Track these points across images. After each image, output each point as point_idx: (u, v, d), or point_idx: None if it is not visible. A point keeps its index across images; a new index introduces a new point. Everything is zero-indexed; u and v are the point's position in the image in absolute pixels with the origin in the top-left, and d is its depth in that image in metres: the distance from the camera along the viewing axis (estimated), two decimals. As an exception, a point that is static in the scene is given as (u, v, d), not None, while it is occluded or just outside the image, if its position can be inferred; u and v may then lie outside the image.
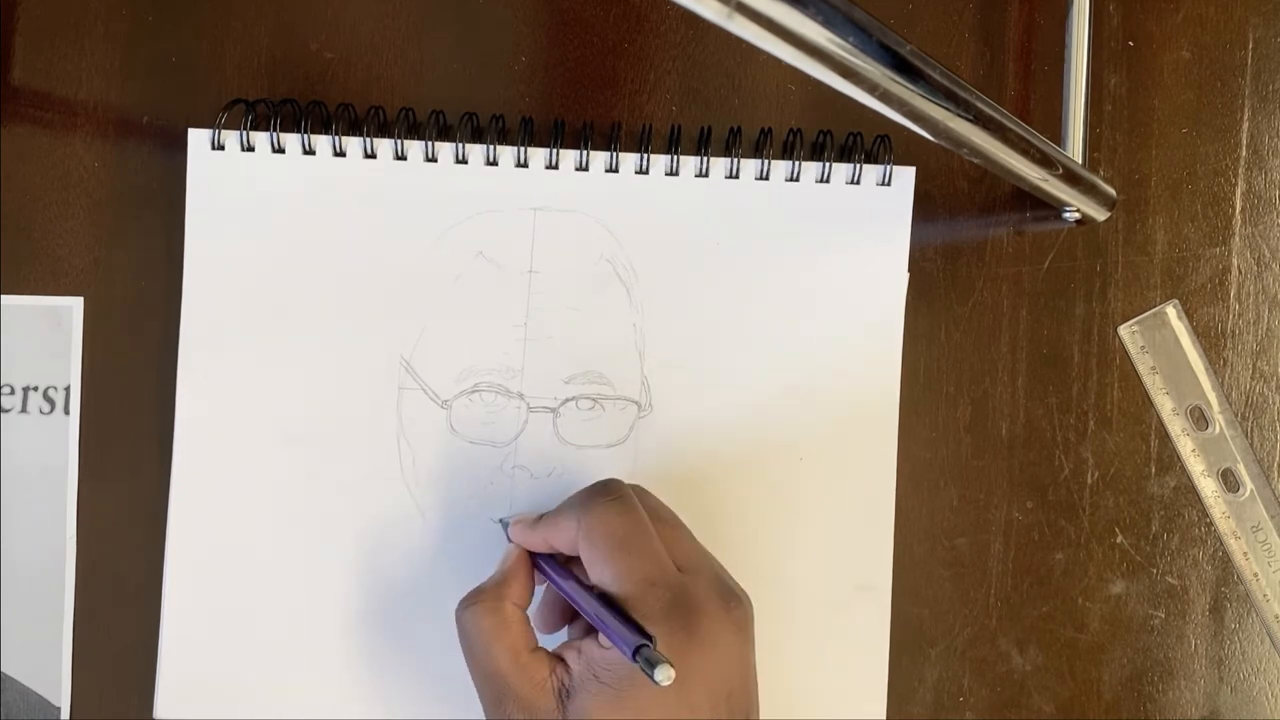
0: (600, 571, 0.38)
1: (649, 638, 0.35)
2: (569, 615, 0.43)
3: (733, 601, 0.38)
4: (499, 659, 0.38)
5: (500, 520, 0.46)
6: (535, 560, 0.42)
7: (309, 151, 0.46)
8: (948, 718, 0.47)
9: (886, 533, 0.46)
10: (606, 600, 0.38)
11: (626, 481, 0.41)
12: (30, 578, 0.46)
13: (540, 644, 0.40)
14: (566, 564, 0.42)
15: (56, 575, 0.46)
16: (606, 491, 0.40)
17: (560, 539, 0.40)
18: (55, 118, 0.47)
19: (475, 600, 0.40)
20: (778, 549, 0.46)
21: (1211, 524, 0.47)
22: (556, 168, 0.46)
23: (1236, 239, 0.48)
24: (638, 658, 0.34)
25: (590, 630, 0.40)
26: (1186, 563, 0.47)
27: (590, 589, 0.39)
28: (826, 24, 0.27)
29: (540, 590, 0.43)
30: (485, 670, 0.39)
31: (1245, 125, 0.48)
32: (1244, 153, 0.48)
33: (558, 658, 0.39)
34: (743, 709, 0.38)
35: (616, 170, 0.46)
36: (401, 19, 0.48)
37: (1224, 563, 0.47)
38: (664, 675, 0.33)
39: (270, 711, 0.46)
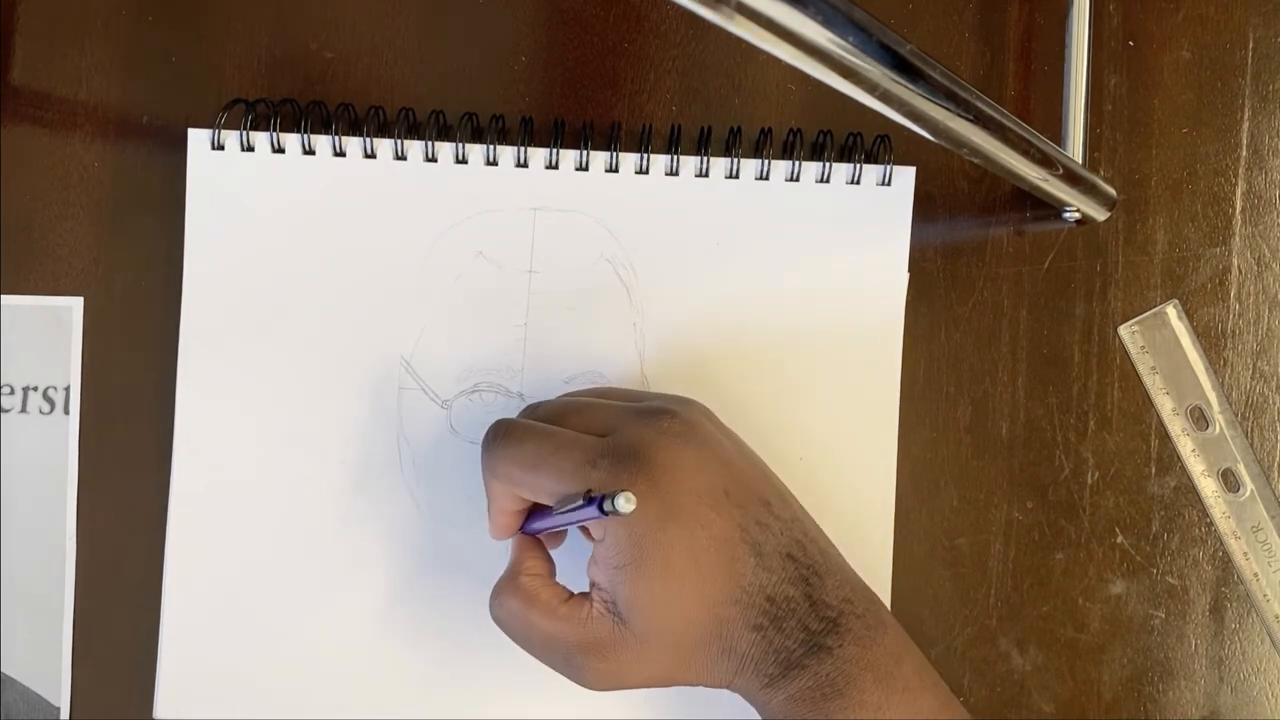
0: (543, 494, 0.38)
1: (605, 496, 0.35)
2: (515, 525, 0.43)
3: (661, 418, 0.38)
4: (541, 624, 0.38)
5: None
6: (530, 529, 0.42)
7: (309, 151, 0.46)
8: (948, 718, 0.47)
9: (886, 533, 0.46)
10: (560, 504, 0.38)
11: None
12: (30, 578, 0.46)
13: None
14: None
15: (56, 575, 0.46)
16: (490, 437, 0.40)
17: (499, 503, 0.40)
18: (55, 118, 0.47)
19: (496, 593, 0.40)
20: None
21: (1212, 524, 0.47)
22: (556, 168, 0.46)
23: (1236, 239, 0.48)
24: (601, 508, 0.33)
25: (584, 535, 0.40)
26: (1187, 563, 0.47)
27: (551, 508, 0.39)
28: (826, 24, 0.27)
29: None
30: (538, 643, 0.39)
31: (1245, 125, 0.48)
32: (1244, 153, 0.48)
33: (589, 589, 0.39)
34: (750, 494, 0.38)
35: (616, 170, 0.46)
36: (401, 19, 0.48)
37: (1224, 563, 0.47)
38: (625, 501, 0.32)
39: (270, 711, 0.46)
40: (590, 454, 0.37)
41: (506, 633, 0.40)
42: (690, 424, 0.39)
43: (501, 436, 0.39)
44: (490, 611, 0.40)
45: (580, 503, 0.35)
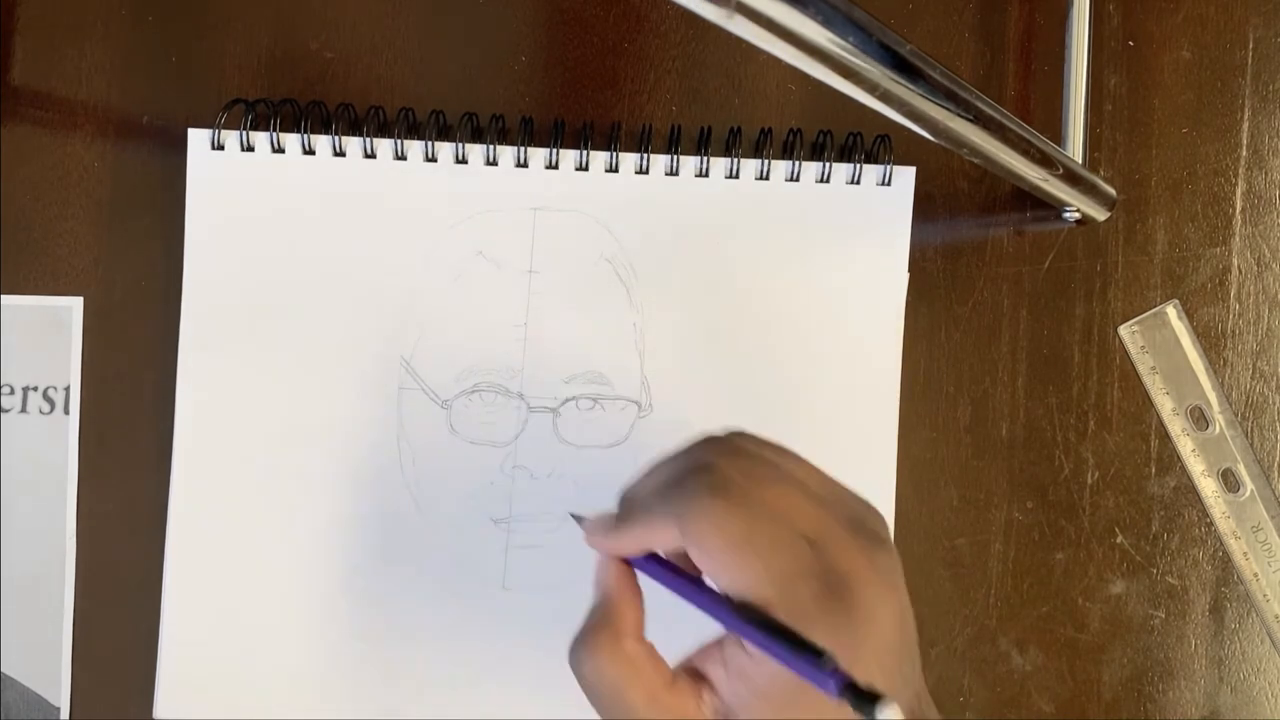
0: (728, 580, 0.32)
1: (821, 653, 0.29)
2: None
3: (878, 552, 0.33)
4: (636, 706, 0.33)
5: (575, 516, 0.39)
6: (638, 566, 0.35)
7: (309, 151, 0.46)
8: (948, 718, 0.47)
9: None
10: (742, 607, 0.32)
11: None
12: (30, 578, 0.46)
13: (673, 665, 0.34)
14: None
15: (56, 575, 0.46)
16: (706, 485, 0.33)
17: (658, 542, 0.34)
18: (55, 118, 0.47)
19: (589, 647, 0.33)
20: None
21: (1211, 524, 0.47)
22: (556, 168, 0.46)
23: (1236, 239, 0.48)
24: (845, 695, 0.28)
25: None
26: (1186, 563, 0.47)
27: (746, 608, 0.32)
28: (826, 24, 0.27)
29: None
30: (621, 716, 0.33)
31: (1245, 125, 0.48)
32: (1244, 153, 0.48)
33: (700, 677, 0.33)
34: (909, 660, 0.33)
35: (616, 170, 0.46)
36: (401, 19, 0.48)
37: (1224, 563, 0.47)
38: (890, 712, 0.27)
39: (270, 711, 0.46)
40: (802, 568, 0.32)
41: (588, 694, 0.34)
42: (896, 563, 0.33)
43: (717, 495, 0.32)
44: (574, 662, 0.34)
45: (817, 665, 0.29)
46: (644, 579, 0.35)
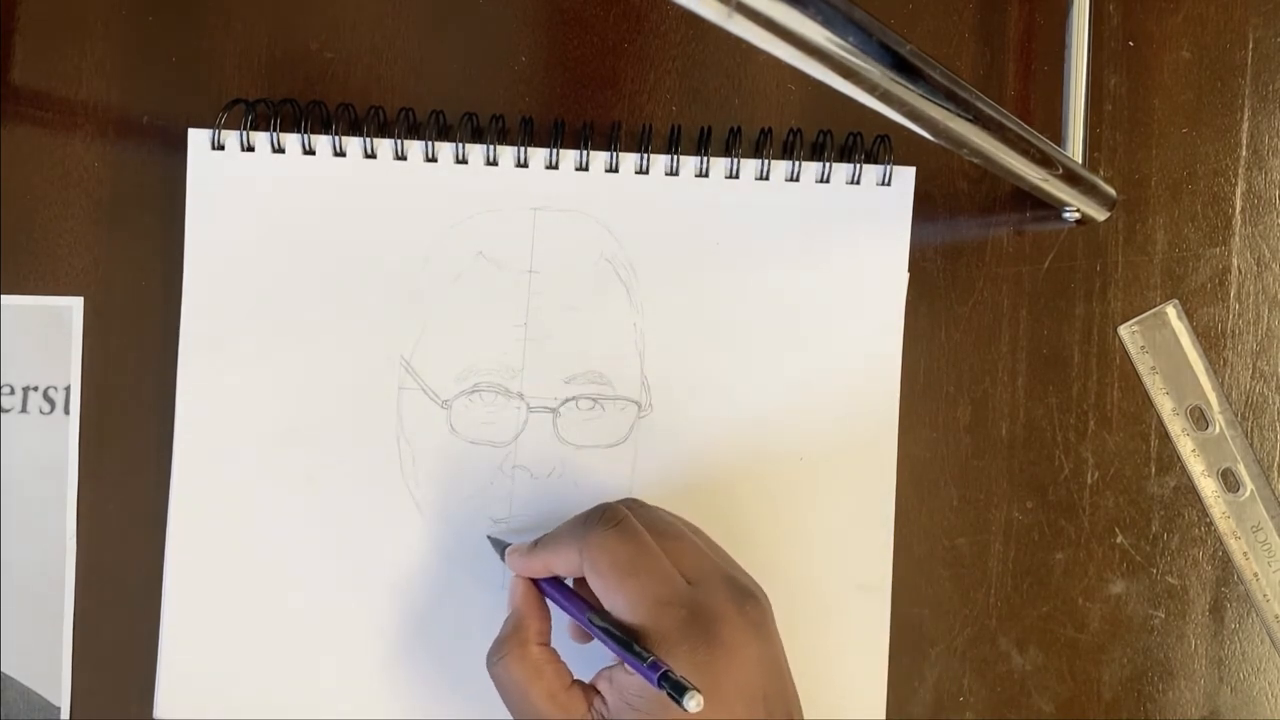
0: (611, 599, 0.38)
1: (659, 661, 0.36)
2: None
3: (748, 602, 0.38)
4: (538, 704, 0.39)
5: (490, 538, 0.46)
6: (542, 587, 0.42)
7: (309, 151, 0.46)
8: (948, 718, 0.47)
9: (886, 533, 0.46)
10: (621, 627, 0.38)
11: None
12: (30, 578, 0.46)
13: (577, 674, 0.40)
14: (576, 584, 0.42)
15: (56, 575, 0.46)
16: (604, 518, 0.40)
17: (561, 565, 0.40)
18: (55, 118, 0.47)
19: (501, 652, 0.40)
20: (778, 549, 0.46)
21: (1211, 524, 0.47)
22: (556, 168, 0.46)
23: (1236, 239, 0.48)
24: (663, 685, 0.35)
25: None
26: (1186, 563, 0.47)
27: (601, 614, 0.39)
28: (826, 24, 0.27)
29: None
30: (526, 715, 0.39)
31: (1245, 125, 0.48)
32: (1244, 153, 0.48)
33: (594, 689, 0.39)
34: (781, 707, 0.38)
35: (616, 170, 0.46)
36: (402, 19, 0.48)
37: (1224, 563, 0.47)
38: (694, 703, 0.33)
39: (270, 712, 0.46)
40: (674, 597, 0.37)
41: (500, 693, 0.40)
42: (766, 617, 0.39)
43: (611, 525, 0.39)
44: (489, 666, 0.40)
45: (641, 658, 0.36)
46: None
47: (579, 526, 0.40)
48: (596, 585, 0.39)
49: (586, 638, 0.43)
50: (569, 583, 0.42)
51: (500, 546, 0.44)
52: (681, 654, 0.36)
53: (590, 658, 0.41)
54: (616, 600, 0.38)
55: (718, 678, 0.36)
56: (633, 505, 0.41)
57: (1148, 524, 0.47)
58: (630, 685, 0.37)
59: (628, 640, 0.37)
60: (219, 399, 0.46)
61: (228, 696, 0.46)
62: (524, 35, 0.48)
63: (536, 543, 0.42)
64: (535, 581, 0.42)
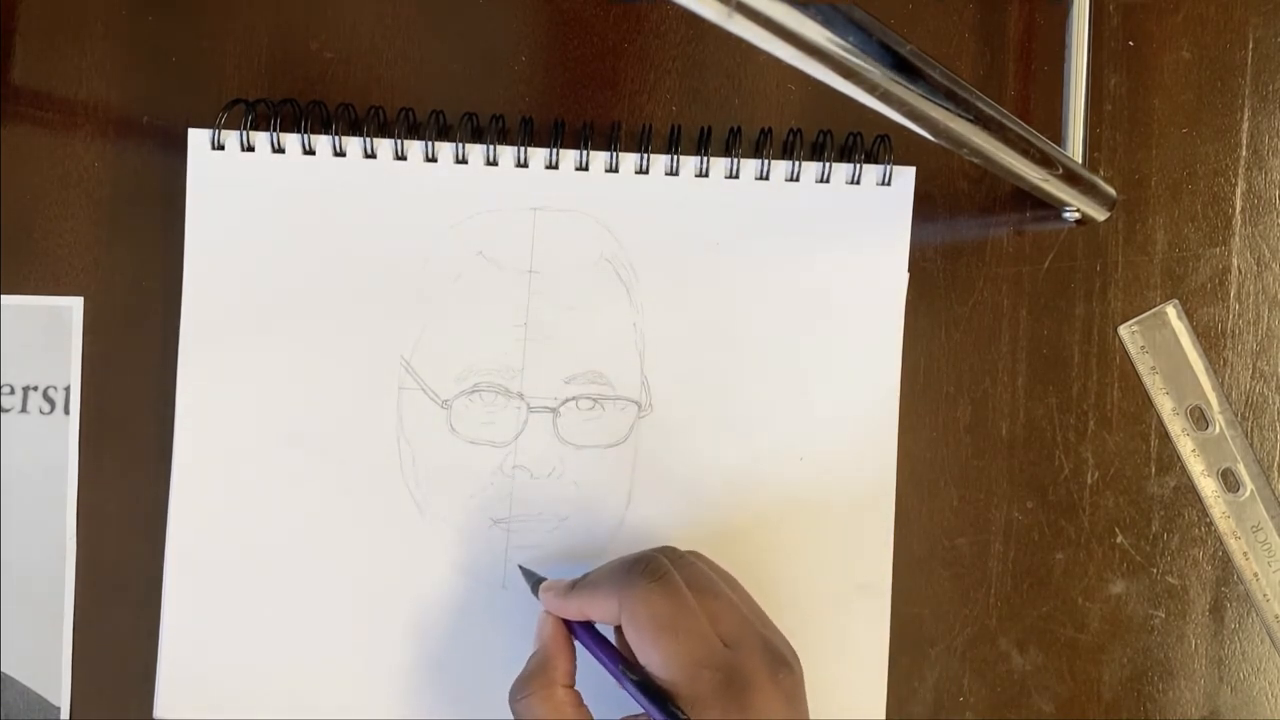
0: (647, 655, 0.38)
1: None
2: None
3: (782, 670, 0.38)
4: None
5: (523, 568, 0.45)
6: (573, 629, 0.41)
7: (309, 151, 0.46)
8: (948, 718, 0.47)
9: (886, 533, 0.46)
10: (653, 684, 0.38)
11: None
12: (30, 578, 0.46)
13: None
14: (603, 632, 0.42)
15: (56, 575, 0.46)
16: (647, 571, 0.39)
17: (598, 612, 0.40)
18: (55, 118, 0.47)
19: (527, 690, 0.40)
20: (778, 548, 0.46)
21: (1211, 524, 0.47)
22: (556, 168, 0.46)
23: (1236, 239, 0.48)
24: None
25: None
26: (1186, 563, 0.47)
27: (634, 668, 0.39)
28: (826, 24, 0.27)
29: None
30: None
31: (1245, 125, 0.48)
32: (1244, 153, 0.48)
33: None
34: None
35: (616, 170, 0.46)
36: (401, 19, 0.48)
37: (1224, 563, 0.47)
38: None
39: (270, 711, 0.46)
40: (711, 659, 0.37)
41: None
42: (798, 687, 0.39)
43: (654, 579, 0.39)
44: (511, 702, 0.40)
45: (667, 713, 0.36)
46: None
47: (620, 575, 0.40)
48: (633, 638, 0.39)
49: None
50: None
51: (533, 579, 0.43)
52: (715, 715, 0.36)
53: (607, 701, 0.40)
54: (652, 656, 0.38)
55: None
56: (672, 556, 0.41)
57: (1148, 524, 0.47)
58: None
59: (662, 700, 0.37)
60: (219, 399, 0.46)
61: (228, 696, 0.46)
62: (524, 35, 0.48)
63: (574, 584, 0.41)
64: (566, 621, 0.41)
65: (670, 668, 0.37)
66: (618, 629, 0.40)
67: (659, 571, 0.39)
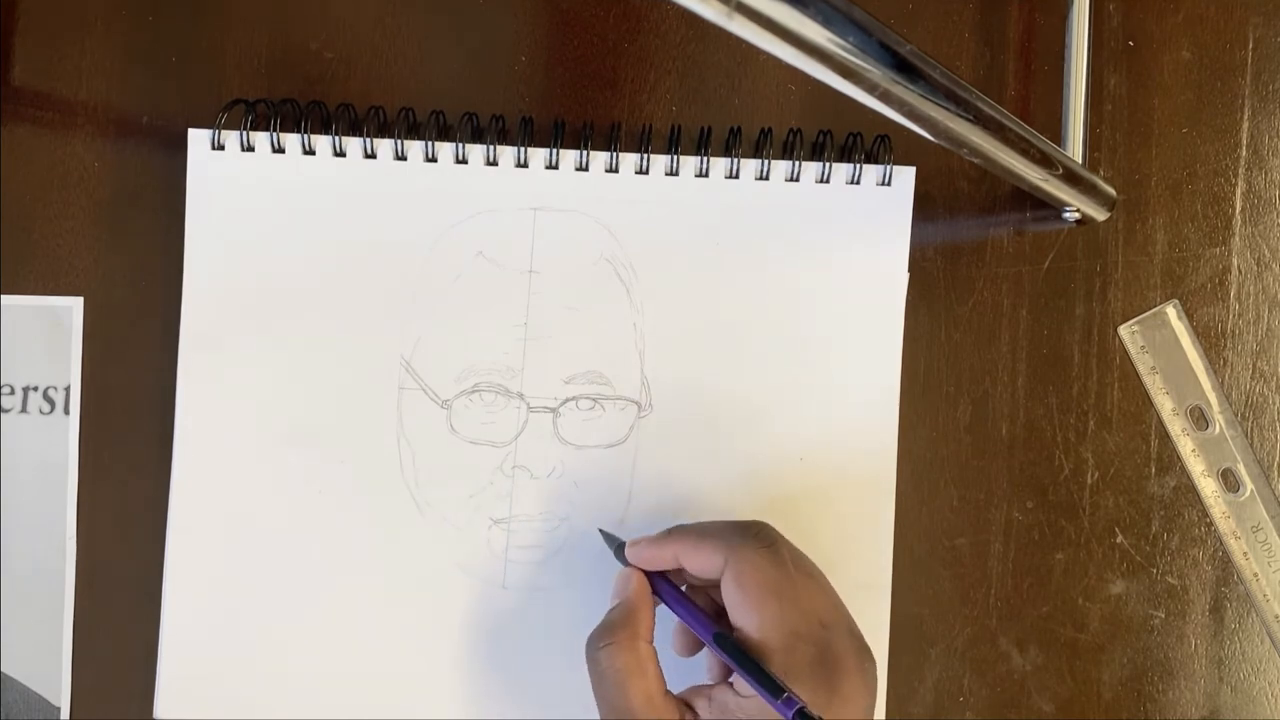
0: (747, 616, 0.38)
1: (797, 698, 0.35)
2: (699, 645, 0.42)
3: (867, 659, 0.38)
4: (633, 702, 0.38)
5: (603, 531, 0.45)
6: (659, 588, 0.41)
7: (309, 151, 0.46)
8: (948, 718, 0.47)
9: (886, 533, 0.46)
10: (740, 647, 0.38)
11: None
12: (30, 578, 0.46)
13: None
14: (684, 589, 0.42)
15: (56, 575, 0.46)
16: (760, 536, 0.39)
17: (696, 562, 0.40)
18: (55, 118, 0.47)
19: (609, 639, 0.39)
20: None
21: (1211, 524, 0.47)
22: (556, 168, 0.46)
23: (1236, 239, 0.48)
24: (792, 718, 0.35)
25: (722, 674, 0.40)
26: (1186, 563, 0.47)
27: (724, 634, 0.38)
28: (826, 24, 0.27)
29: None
30: (618, 710, 0.38)
31: (1245, 125, 0.48)
32: (1244, 152, 0.48)
33: (686, 704, 0.39)
34: None
35: (616, 170, 0.46)
36: (401, 19, 0.47)
37: (1224, 563, 0.47)
38: None
39: (270, 712, 0.46)
40: (809, 633, 0.37)
41: (596, 677, 0.39)
42: (875, 679, 0.39)
43: (765, 544, 0.39)
44: (591, 649, 0.40)
45: (776, 690, 0.35)
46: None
47: (731, 533, 0.40)
48: (734, 598, 0.38)
49: (690, 650, 0.42)
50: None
51: (614, 543, 0.43)
52: (804, 693, 0.36)
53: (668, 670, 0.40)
54: (752, 619, 0.38)
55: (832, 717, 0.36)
56: (782, 536, 0.41)
57: (1148, 524, 0.47)
58: (738, 706, 0.37)
59: (760, 667, 0.37)
60: (219, 399, 0.46)
61: (228, 696, 0.46)
62: (524, 35, 0.48)
63: (670, 531, 0.41)
64: (651, 581, 0.41)
65: (769, 633, 0.37)
66: (689, 590, 0.40)
67: (770, 539, 0.39)
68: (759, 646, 0.37)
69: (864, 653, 0.38)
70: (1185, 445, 0.47)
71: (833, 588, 0.41)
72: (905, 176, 0.46)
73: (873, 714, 0.39)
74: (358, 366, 0.46)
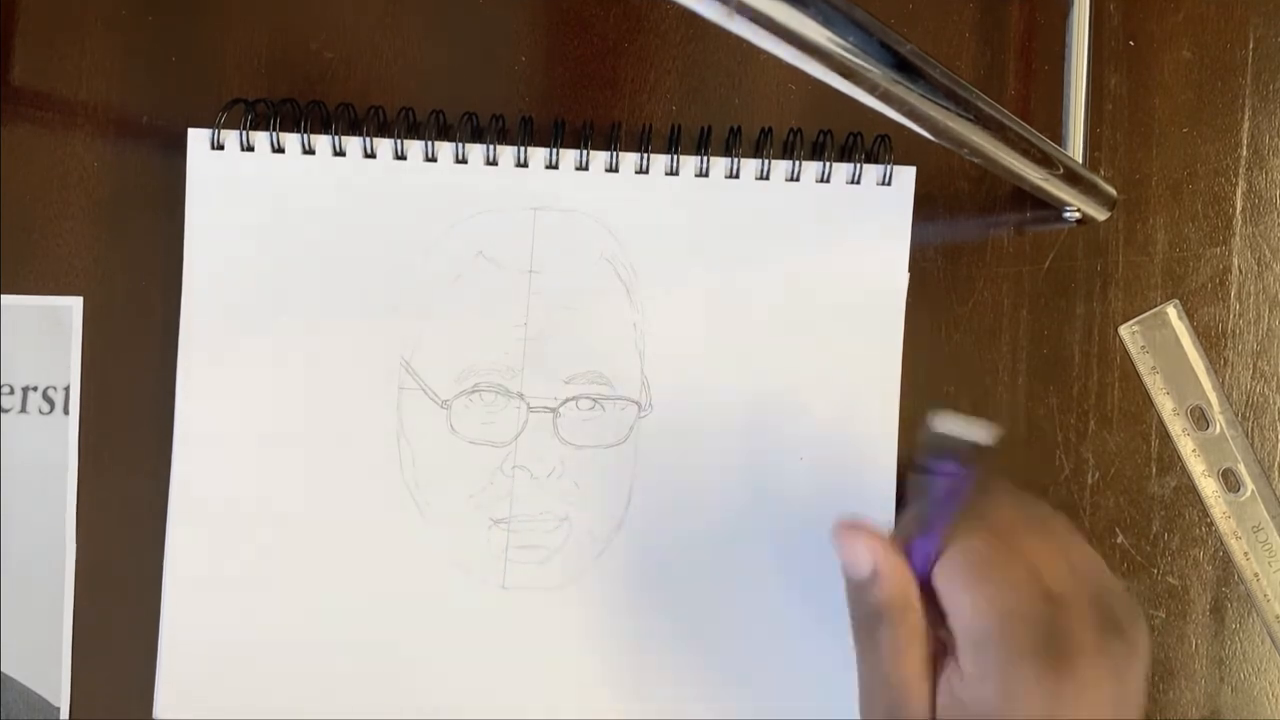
0: (957, 600, 0.35)
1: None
2: None
3: (1111, 635, 0.34)
4: (908, 669, 0.35)
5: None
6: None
7: (309, 151, 0.46)
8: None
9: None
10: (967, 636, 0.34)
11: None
12: (30, 578, 0.46)
13: None
14: None
15: (56, 575, 0.46)
16: (973, 512, 0.36)
17: (960, 540, 0.36)
18: (55, 118, 0.47)
19: (904, 597, 0.36)
20: (778, 549, 0.46)
21: (1212, 524, 0.47)
22: (556, 168, 0.46)
23: (1237, 239, 0.48)
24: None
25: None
26: (1187, 563, 0.47)
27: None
28: (826, 24, 0.27)
29: None
30: (891, 675, 0.35)
31: (1246, 125, 0.48)
32: (1244, 152, 0.48)
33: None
34: None
35: (616, 170, 0.46)
36: (401, 19, 0.47)
37: (1224, 563, 0.47)
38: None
39: (270, 712, 0.46)
40: (1029, 614, 0.34)
41: (871, 621, 0.36)
42: (1133, 658, 0.35)
43: (973, 515, 0.36)
44: (864, 590, 0.36)
45: None
46: None
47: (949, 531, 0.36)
48: (944, 582, 0.35)
49: None
50: None
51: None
52: (1027, 674, 0.33)
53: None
54: (963, 602, 0.34)
55: (1061, 709, 0.32)
56: (1000, 489, 0.38)
57: (1148, 524, 0.47)
58: (960, 689, 0.34)
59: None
60: (219, 399, 0.46)
61: (228, 696, 0.46)
62: (524, 35, 0.48)
63: (894, 538, 0.38)
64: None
65: (980, 617, 0.34)
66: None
67: (983, 515, 0.36)
68: (974, 633, 0.34)
69: (1108, 628, 0.33)
70: (1186, 445, 0.47)
71: (1080, 550, 0.36)
72: (905, 176, 0.46)
73: (1124, 699, 0.34)
74: (357, 366, 0.46)
